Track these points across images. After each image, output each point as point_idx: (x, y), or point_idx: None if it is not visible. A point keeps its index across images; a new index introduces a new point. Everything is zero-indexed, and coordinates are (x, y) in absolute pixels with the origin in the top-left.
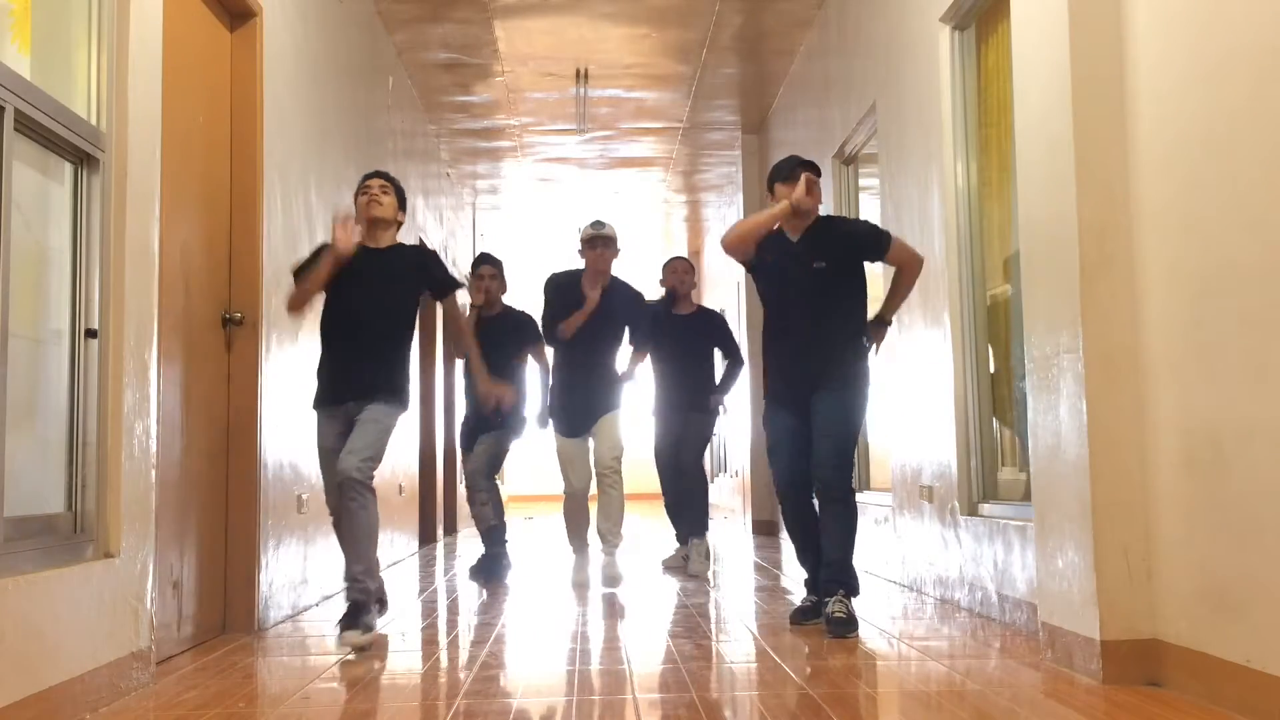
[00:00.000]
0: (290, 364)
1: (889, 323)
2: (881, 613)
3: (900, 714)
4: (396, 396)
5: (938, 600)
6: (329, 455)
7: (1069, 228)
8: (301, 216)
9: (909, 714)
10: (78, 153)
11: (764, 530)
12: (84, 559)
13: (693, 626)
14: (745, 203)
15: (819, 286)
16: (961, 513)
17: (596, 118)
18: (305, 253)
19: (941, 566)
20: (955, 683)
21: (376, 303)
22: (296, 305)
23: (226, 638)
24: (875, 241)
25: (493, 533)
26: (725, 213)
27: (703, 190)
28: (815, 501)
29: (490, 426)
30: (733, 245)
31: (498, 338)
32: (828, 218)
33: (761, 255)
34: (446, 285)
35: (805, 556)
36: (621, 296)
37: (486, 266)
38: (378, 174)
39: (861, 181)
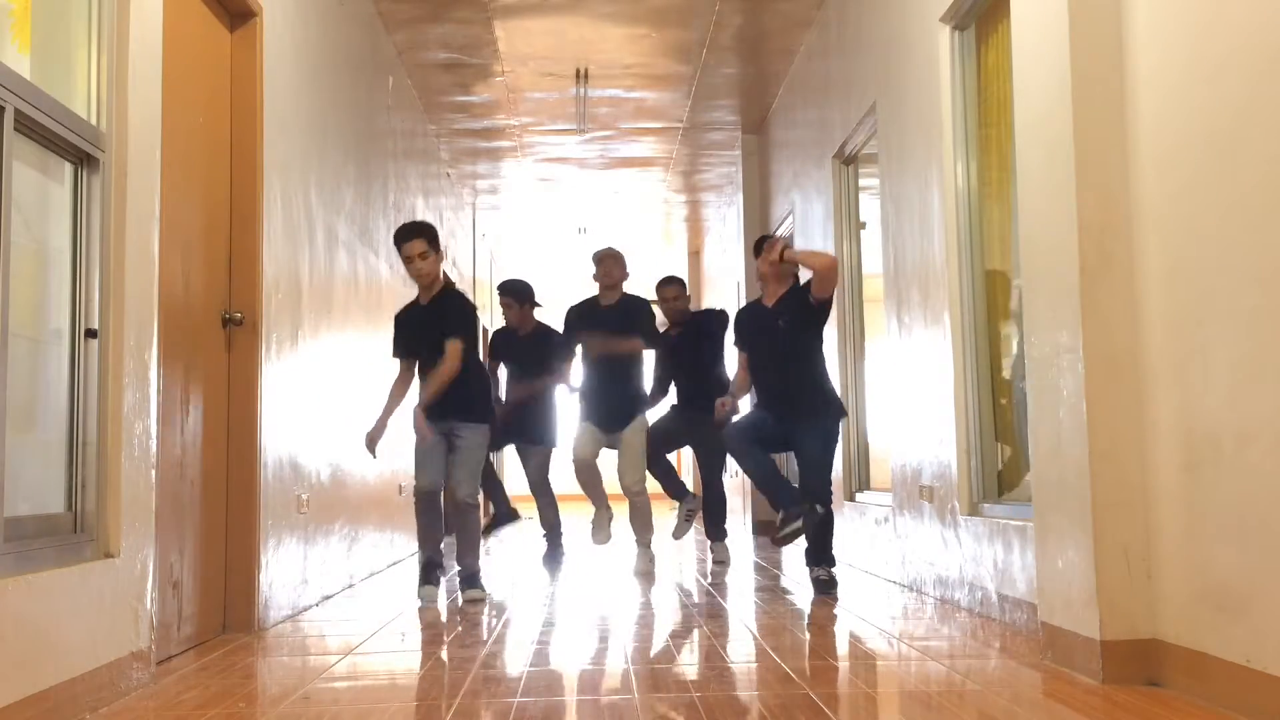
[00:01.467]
0: (290, 364)
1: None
2: (881, 613)
3: (900, 714)
4: (475, 417)
5: (938, 600)
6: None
7: (1069, 228)
8: (301, 216)
9: (909, 714)
10: (78, 153)
11: (765, 530)
12: (84, 559)
13: (693, 626)
14: (745, 203)
15: (791, 341)
16: (961, 513)
17: (596, 118)
18: (306, 255)
19: (941, 566)
20: (955, 683)
21: (435, 351)
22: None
23: (226, 638)
24: (806, 298)
25: (554, 530)
26: (725, 213)
27: (703, 190)
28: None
29: (510, 436)
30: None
31: (526, 356)
32: (793, 287)
33: (747, 329)
34: (444, 334)
35: (780, 497)
36: (634, 308)
37: (502, 297)
38: (413, 233)
39: (861, 181)
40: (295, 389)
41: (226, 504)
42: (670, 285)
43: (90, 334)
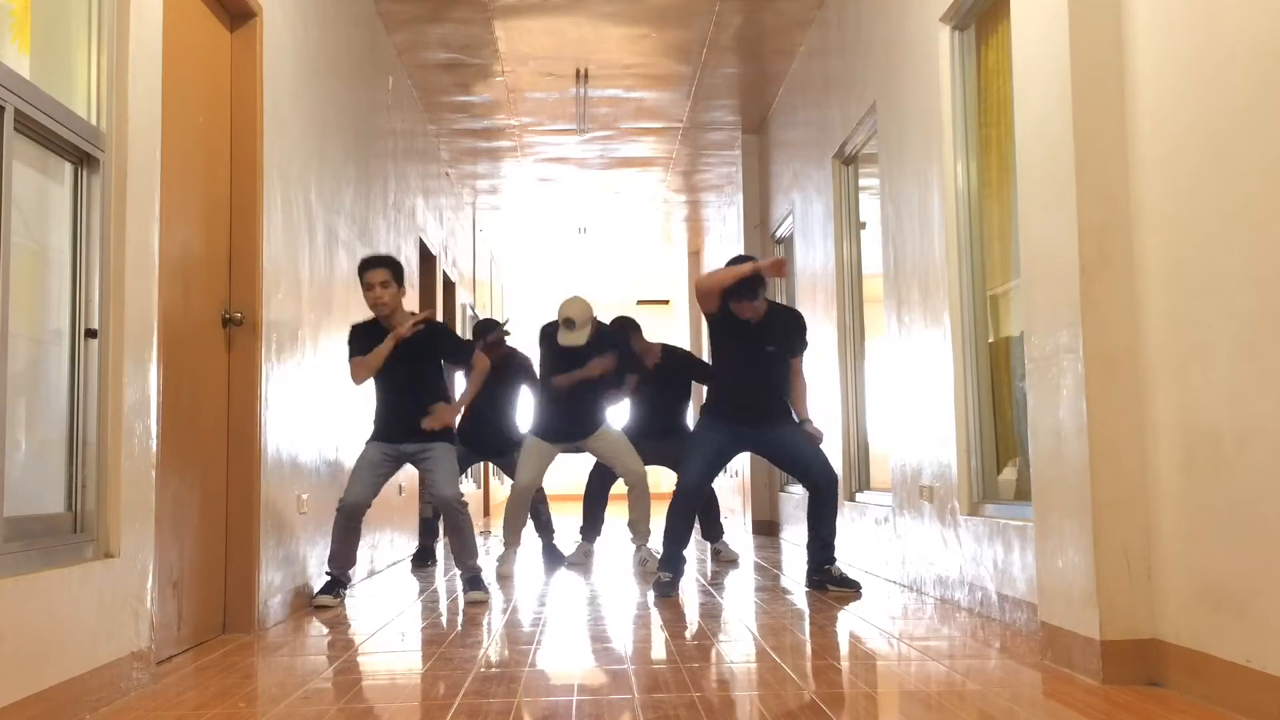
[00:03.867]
0: (290, 364)
1: (810, 420)
2: (881, 613)
3: (900, 714)
4: (442, 436)
5: (938, 600)
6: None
7: (1069, 227)
8: (301, 216)
9: (909, 714)
10: (78, 153)
11: (764, 530)
12: (84, 559)
13: (693, 627)
14: (745, 203)
15: (769, 362)
16: (961, 513)
17: (596, 118)
18: (306, 255)
19: (941, 566)
20: (955, 683)
21: (413, 373)
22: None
23: (226, 638)
24: (796, 346)
25: (544, 530)
26: (725, 213)
27: (703, 190)
28: (811, 497)
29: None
30: (701, 294)
31: (501, 375)
32: (778, 309)
33: (722, 334)
34: (455, 357)
35: (682, 544)
36: (606, 337)
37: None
38: (379, 263)
39: (861, 182)
40: (295, 389)
41: (226, 504)
42: (634, 330)
43: (90, 334)
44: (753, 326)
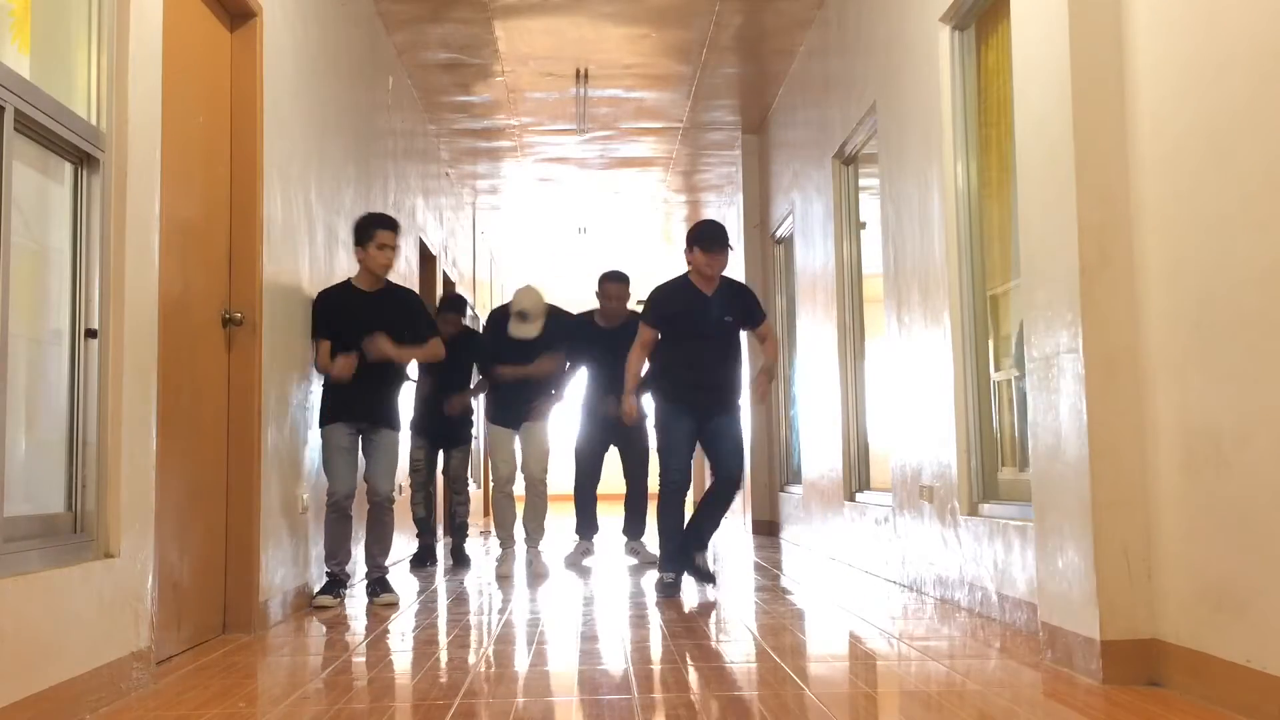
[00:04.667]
0: (290, 364)
1: (774, 375)
2: (881, 613)
3: (900, 714)
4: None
5: (938, 600)
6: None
7: (1069, 228)
8: (301, 216)
9: (909, 714)
10: (78, 153)
11: (764, 530)
12: (84, 559)
13: (693, 627)
14: (745, 203)
15: (725, 333)
16: (961, 513)
17: (596, 118)
18: (306, 255)
19: (941, 566)
20: (955, 683)
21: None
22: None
23: (226, 638)
24: (756, 314)
25: (422, 525)
26: (725, 213)
27: (703, 190)
28: (709, 490)
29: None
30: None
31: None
32: (728, 280)
33: (673, 307)
34: (419, 332)
35: (675, 540)
36: (559, 331)
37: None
38: (390, 224)
39: (861, 181)
40: (295, 389)
41: (226, 504)
42: (615, 282)
43: (90, 334)
44: (707, 298)
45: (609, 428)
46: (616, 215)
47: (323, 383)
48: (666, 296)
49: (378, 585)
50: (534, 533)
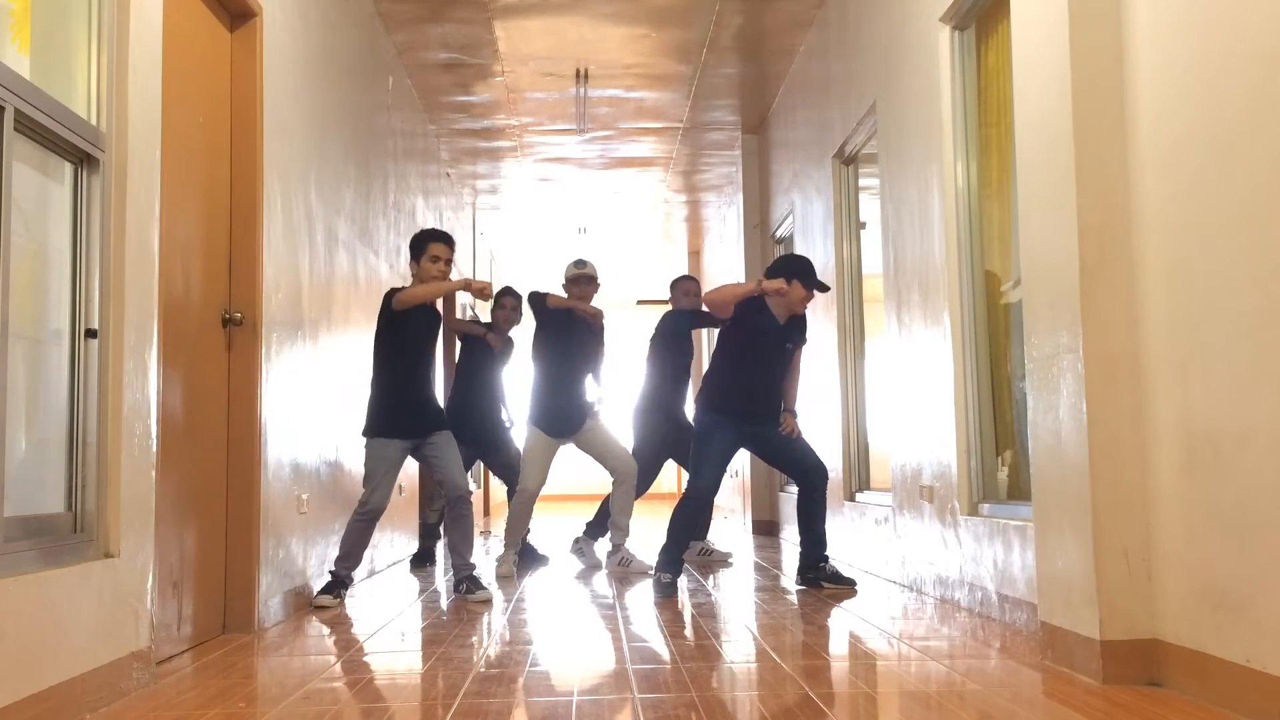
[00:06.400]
0: (290, 364)
1: (795, 413)
2: (881, 613)
3: (900, 714)
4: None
5: (938, 600)
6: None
7: (1069, 228)
8: (301, 216)
9: (909, 714)
10: (78, 153)
11: (764, 530)
12: (84, 559)
13: (693, 626)
14: (745, 203)
15: (784, 360)
16: (961, 513)
17: (596, 118)
18: (306, 255)
19: (941, 566)
20: (955, 683)
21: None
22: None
23: (226, 638)
24: (803, 337)
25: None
26: (725, 213)
27: (703, 190)
28: (804, 493)
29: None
30: (718, 304)
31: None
32: (798, 318)
33: (753, 320)
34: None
35: (684, 547)
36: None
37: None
38: (446, 238)
39: (861, 181)
40: (295, 389)
41: (226, 504)
42: (688, 280)
43: (90, 334)
44: (779, 327)
45: (675, 427)
46: (616, 215)
47: (375, 394)
48: (753, 307)
49: (470, 583)
50: (623, 529)
